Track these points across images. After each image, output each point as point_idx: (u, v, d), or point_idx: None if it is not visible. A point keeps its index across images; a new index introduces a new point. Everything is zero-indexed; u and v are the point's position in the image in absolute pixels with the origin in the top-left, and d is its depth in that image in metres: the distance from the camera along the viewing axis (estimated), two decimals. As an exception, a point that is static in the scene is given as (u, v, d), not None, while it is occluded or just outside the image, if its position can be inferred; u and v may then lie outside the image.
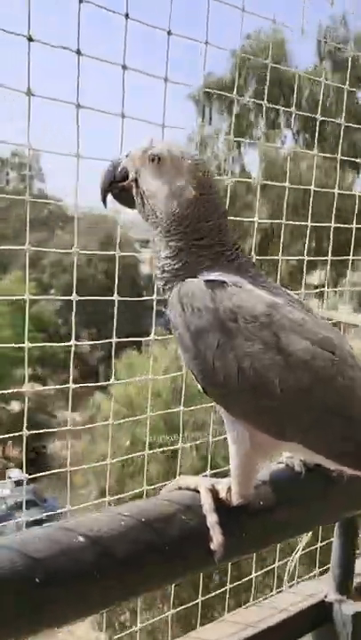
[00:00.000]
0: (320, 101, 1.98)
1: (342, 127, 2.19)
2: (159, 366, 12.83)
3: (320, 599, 1.62)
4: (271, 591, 2.19)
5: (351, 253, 2.33)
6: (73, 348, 1.60)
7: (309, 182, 2.24)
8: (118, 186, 1.32)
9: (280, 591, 1.76)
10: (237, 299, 1.14)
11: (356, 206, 2.33)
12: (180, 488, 1.26)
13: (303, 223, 2.21)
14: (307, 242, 2.17)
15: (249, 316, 1.12)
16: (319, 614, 1.59)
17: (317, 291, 2.97)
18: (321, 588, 1.66)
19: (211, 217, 1.27)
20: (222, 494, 1.20)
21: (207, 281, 1.18)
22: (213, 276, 1.19)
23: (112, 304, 1.70)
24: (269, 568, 2.48)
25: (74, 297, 1.59)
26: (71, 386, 1.47)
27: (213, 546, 1.12)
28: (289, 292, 1.29)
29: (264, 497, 1.25)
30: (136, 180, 1.30)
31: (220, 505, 1.17)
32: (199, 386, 1.20)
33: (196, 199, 1.25)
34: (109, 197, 1.35)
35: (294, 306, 1.21)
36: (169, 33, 1.67)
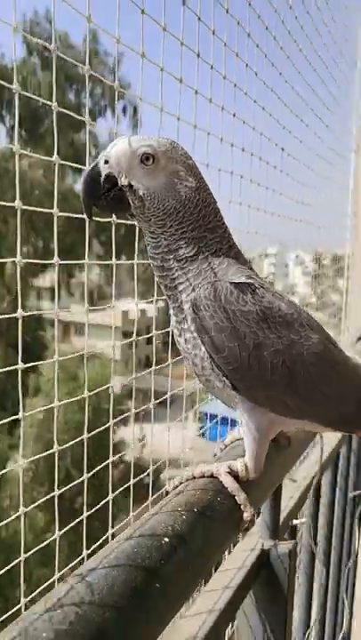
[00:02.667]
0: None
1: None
2: None
3: (260, 549, 1.83)
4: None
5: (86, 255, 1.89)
6: None
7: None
8: (109, 195, 1.27)
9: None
10: (266, 301, 1.26)
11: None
12: (194, 478, 1.33)
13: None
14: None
15: (278, 316, 1.27)
16: (261, 563, 1.81)
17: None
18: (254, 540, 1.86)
19: (209, 200, 1.32)
20: (242, 474, 1.32)
21: (236, 283, 1.25)
22: (236, 277, 1.27)
23: None
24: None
25: None
26: None
27: (246, 517, 1.28)
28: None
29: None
30: (130, 185, 1.26)
31: (239, 482, 1.31)
32: (224, 380, 1.26)
33: (197, 187, 1.29)
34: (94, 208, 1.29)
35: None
36: None
